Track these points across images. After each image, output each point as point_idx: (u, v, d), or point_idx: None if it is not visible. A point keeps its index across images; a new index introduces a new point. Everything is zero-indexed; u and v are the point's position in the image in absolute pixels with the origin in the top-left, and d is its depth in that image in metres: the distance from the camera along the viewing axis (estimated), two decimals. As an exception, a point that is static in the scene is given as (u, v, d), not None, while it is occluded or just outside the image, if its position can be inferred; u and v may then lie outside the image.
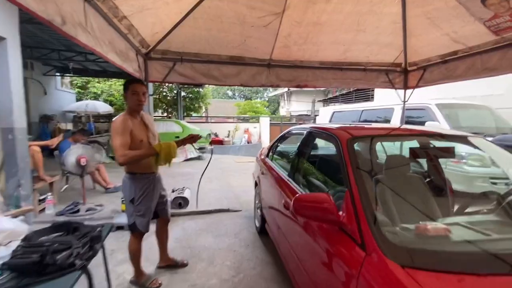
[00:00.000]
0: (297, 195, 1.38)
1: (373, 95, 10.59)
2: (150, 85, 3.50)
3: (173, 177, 6.39)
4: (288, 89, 27.38)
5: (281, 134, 3.05)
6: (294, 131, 2.86)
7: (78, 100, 12.78)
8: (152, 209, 2.15)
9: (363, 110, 7.16)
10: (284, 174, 2.39)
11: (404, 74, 4.05)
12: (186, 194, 4.26)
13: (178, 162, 8.71)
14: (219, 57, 3.38)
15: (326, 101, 14.82)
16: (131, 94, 2.04)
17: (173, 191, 4.41)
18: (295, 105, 26.93)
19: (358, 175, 1.42)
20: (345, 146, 1.61)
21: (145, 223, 2.08)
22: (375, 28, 3.19)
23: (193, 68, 3.40)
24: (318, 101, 17.79)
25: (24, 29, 6.00)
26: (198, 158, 9.19)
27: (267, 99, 38.32)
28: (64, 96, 11.36)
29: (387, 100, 7.44)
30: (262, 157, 3.52)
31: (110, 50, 2.11)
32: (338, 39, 3.32)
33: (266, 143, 13.40)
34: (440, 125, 4.81)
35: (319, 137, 2.13)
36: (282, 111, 30.24)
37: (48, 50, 7.22)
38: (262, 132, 13.65)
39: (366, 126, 2.44)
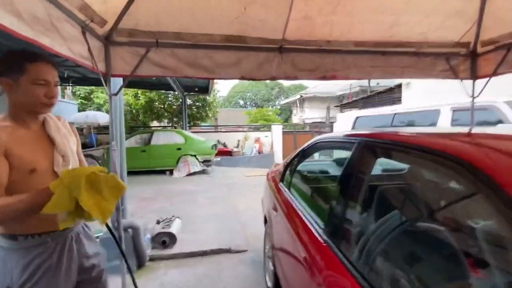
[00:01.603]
0: None
1: (400, 97, 9.31)
2: (118, 81, 2.52)
3: (169, 198, 5.39)
4: (301, 96, 26.37)
5: (304, 147, 1.96)
6: (325, 142, 1.76)
7: (80, 111, 12.24)
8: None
9: (395, 114, 5.95)
10: (312, 222, 1.30)
11: (471, 59, 2.89)
12: (174, 227, 3.21)
13: (179, 177, 7.74)
14: (210, 38, 2.36)
15: (345, 106, 13.61)
16: (30, 83, 1.04)
17: (158, 222, 3.37)
18: (308, 112, 25.81)
19: None
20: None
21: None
22: (443, -16, 2.09)
23: (174, 56, 2.40)
24: (335, 106, 16.58)
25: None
26: (203, 172, 8.20)
27: (279, 107, 37.41)
28: (65, 107, 10.80)
29: (420, 102, 6.21)
30: (275, 177, 2.43)
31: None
32: (383, 6, 2.25)
33: (278, 153, 12.29)
34: (516, 128, 3.58)
35: (393, 156, 1.02)
36: (295, 119, 29.17)
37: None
38: (274, 141, 12.55)
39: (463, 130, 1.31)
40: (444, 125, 4.65)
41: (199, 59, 2.43)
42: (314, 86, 28.75)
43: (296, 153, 2.11)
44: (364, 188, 1.08)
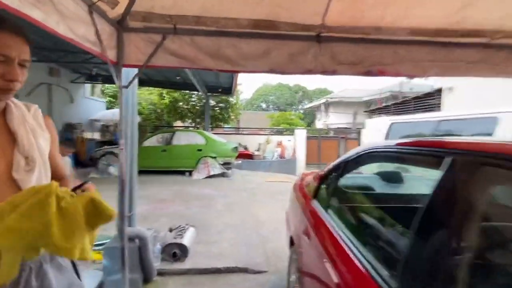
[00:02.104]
0: None
1: (439, 103, 8.43)
2: (130, 72, 2.24)
3: (186, 201, 5.13)
4: (326, 100, 25.51)
5: (347, 158, 1.52)
6: (381, 152, 1.32)
7: (108, 109, 12.57)
8: None
9: (440, 121, 5.26)
10: (368, 267, 0.88)
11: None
12: (187, 238, 2.89)
13: (198, 179, 7.52)
14: (236, 23, 2.02)
15: (374, 112, 12.76)
16: None
17: (170, 230, 3.08)
18: (333, 118, 24.85)
19: None
20: None
21: None
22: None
23: (194, 44, 2.08)
24: (364, 112, 15.72)
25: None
26: (223, 175, 7.92)
27: (302, 111, 36.64)
28: (93, 104, 11.11)
29: (466, 110, 5.44)
30: (305, 191, 2.03)
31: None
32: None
33: (301, 158, 11.75)
34: None
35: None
36: (319, 124, 28.27)
37: (62, 52, 6.67)
38: (297, 146, 12.04)
39: None
40: (503, 132, 3.95)
41: (222, 49, 2.09)
42: (340, 91, 27.78)
43: (335, 164, 1.68)
44: (477, 231, 0.65)
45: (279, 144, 12.10)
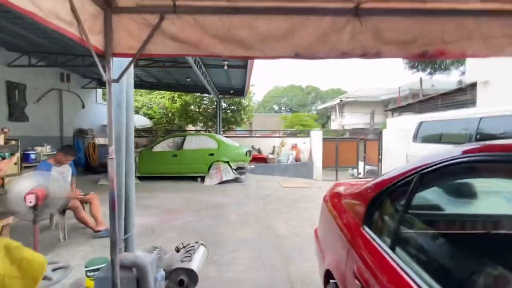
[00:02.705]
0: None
1: (472, 99, 7.65)
2: (122, 64, 1.83)
3: (197, 211, 4.72)
4: (341, 100, 24.70)
5: (420, 170, 1.02)
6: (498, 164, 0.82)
7: (120, 114, 12.48)
8: None
9: (481, 118, 4.61)
10: None
11: None
12: (196, 261, 2.45)
13: (210, 185, 7.12)
14: (250, -5, 1.58)
15: (395, 111, 11.99)
16: None
17: (177, 250, 2.65)
18: (349, 118, 23.98)
19: None
20: None
21: None
22: None
23: (198, 25, 1.66)
24: (385, 111, 14.92)
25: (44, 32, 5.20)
26: (236, 180, 7.49)
27: (315, 112, 35.80)
28: (105, 110, 11.00)
29: (506, 105, 4.74)
30: (346, 211, 1.55)
31: None
32: None
33: (318, 161, 11.16)
34: None
35: None
36: (333, 125, 27.42)
37: (72, 56, 6.50)
38: (313, 148, 11.46)
39: None
40: None
41: (234, 29, 1.66)
42: (355, 90, 26.86)
43: (392, 179, 1.18)
44: None
45: (294, 147, 11.56)
